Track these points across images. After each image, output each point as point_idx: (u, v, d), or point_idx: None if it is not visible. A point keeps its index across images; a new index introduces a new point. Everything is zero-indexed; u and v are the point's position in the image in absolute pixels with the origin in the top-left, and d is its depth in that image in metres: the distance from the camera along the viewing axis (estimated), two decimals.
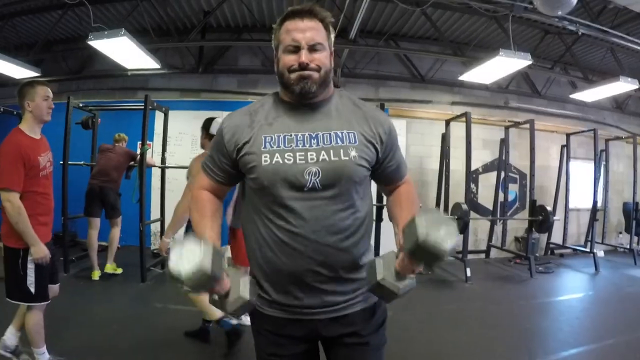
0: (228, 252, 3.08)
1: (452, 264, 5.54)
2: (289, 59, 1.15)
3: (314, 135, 1.14)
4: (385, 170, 1.25)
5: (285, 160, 1.11)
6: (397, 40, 6.46)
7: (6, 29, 5.69)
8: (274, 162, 1.11)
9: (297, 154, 1.11)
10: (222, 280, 1.02)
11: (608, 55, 6.32)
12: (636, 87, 5.50)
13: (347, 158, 1.12)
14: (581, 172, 7.38)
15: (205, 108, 6.38)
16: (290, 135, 1.14)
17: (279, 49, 1.19)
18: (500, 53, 4.63)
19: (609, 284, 5.47)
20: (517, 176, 7.19)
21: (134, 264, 4.67)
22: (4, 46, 5.59)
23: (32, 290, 2.19)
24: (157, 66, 5.28)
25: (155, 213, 5.47)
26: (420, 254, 0.94)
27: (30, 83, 2.27)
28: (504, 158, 6.74)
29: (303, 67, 1.13)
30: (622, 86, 5.58)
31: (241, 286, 1.06)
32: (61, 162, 4.70)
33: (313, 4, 1.22)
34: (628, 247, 6.99)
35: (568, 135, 7.09)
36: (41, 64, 6.23)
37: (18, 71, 5.44)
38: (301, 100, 1.17)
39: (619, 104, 7.76)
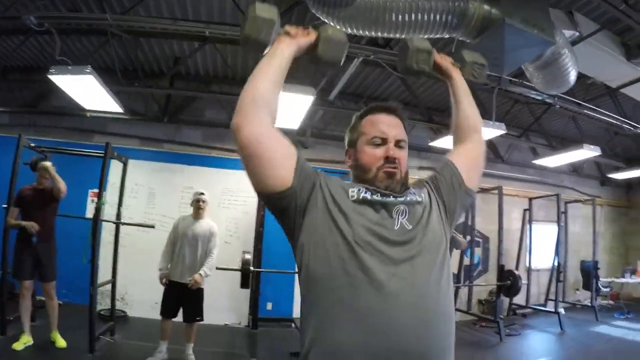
0: None
1: None
2: (377, 152, 1.10)
3: None
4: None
5: None
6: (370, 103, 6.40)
7: None
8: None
9: None
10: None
11: (570, 123, 6.66)
12: (598, 154, 5.73)
13: None
14: (540, 234, 7.61)
15: (167, 160, 5.97)
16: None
17: (360, 140, 1.14)
18: None
19: (578, 344, 5.58)
20: (481, 240, 7.29)
21: (78, 327, 3.99)
22: None
23: None
24: (120, 110, 4.76)
25: (106, 271, 4.73)
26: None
27: None
28: (469, 223, 6.81)
29: (391, 161, 1.08)
30: (585, 153, 5.79)
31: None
32: (4, 206, 4.10)
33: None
34: (587, 303, 7.26)
35: (531, 200, 7.38)
36: None
37: None
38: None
39: (575, 168, 8.15)
